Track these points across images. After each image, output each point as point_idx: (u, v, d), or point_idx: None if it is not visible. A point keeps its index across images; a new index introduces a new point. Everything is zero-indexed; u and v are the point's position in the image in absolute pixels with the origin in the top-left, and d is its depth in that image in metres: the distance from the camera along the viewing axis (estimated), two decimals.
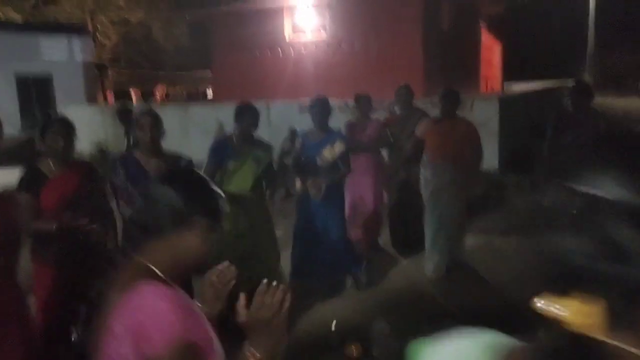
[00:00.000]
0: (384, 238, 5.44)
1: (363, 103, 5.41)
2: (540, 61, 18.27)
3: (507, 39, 16.18)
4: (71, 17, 17.88)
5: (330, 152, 4.10)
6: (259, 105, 9.45)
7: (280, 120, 9.12)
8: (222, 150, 3.66)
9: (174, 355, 1.09)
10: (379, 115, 5.74)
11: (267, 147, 3.76)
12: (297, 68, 11.02)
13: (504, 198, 6.80)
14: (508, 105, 8.01)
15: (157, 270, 1.17)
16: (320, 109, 4.17)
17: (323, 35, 11.04)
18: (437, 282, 4.37)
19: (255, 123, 3.67)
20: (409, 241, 5.04)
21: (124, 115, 6.31)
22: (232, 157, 3.60)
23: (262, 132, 9.30)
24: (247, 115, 3.64)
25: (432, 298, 4.16)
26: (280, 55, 11.39)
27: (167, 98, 18.94)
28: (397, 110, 5.40)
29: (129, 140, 5.99)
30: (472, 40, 13.47)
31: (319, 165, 4.07)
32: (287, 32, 11.50)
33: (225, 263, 1.38)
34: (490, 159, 7.23)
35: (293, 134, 3.84)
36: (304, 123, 4.22)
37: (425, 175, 4.59)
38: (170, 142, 3.13)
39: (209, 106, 10.78)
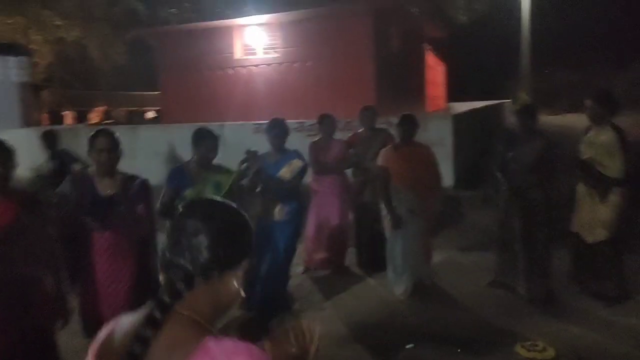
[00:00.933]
0: (350, 258, 5.40)
1: (327, 123, 5.39)
2: (480, 82, 19.12)
3: (450, 61, 16.83)
4: (4, 36, 16.99)
5: (288, 171, 4.11)
6: (213, 126, 9.28)
7: (235, 141, 8.96)
8: (179, 177, 3.49)
9: None
10: (342, 135, 5.73)
11: (227, 172, 3.62)
12: (249, 88, 10.93)
13: (460, 214, 6.95)
14: (460, 123, 8.25)
15: (205, 323, 1.05)
16: (278, 131, 4.18)
17: (275, 55, 11.02)
18: (407, 301, 4.38)
19: (214, 148, 3.53)
20: (376, 261, 5.03)
21: (49, 139, 6.04)
22: (190, 184, 3.44)
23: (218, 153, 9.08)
24: (206, 140, 3.50)
25: (402, 317, 4.14)
26: (231, 74, 11.25)
27: (106, 119, 18.24)
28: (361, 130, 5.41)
29: (53, 166, 5.74)
30: (418, 62, 13.89)
31: (277, 185, 4.05)
32: (238, 52, 11.40)
33: (307, 321, 1.24)
34: (446, 177, 7.39)
35: (251, 155, 3.71)
36: (260, 144, 4.11)
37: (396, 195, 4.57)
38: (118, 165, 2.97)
39: (157, 128, 10.45)
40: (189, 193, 3.39)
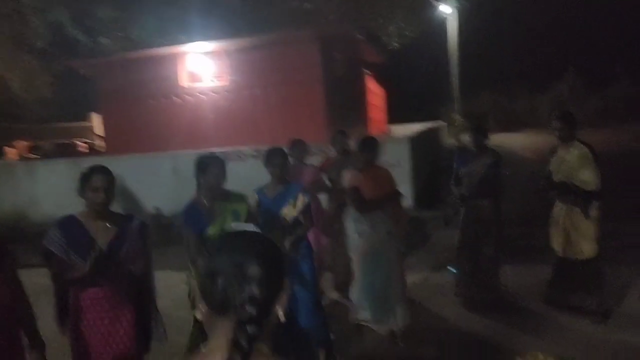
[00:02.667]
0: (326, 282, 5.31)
1: (298, 148, 5.33)
2: (414, 106, 19.84)
3: (387, 86, 17.35)
4: None
5: (291, 209, 3.77)
6: (164, 156, 8.90)
7: (188, 171, 8.66)
8: (196, 216, 3.20)
9: None
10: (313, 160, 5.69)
11: (240, 198, 3.36)
12: (197, 116, 10.66)
13: (426, 234, 7.06)
14: (415, 145, 8.44)
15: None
16: (279, 160, 3.82)
17: (223, 82, 10.85)
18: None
19: (223, 174, 3.25)
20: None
21: None
22: (209, 219, 3.16)
23: (170, 184, 8.70)
24: (213, 166, 3.22)
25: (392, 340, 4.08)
26: (178, 102, 10.94)
27: (32, 153, 17.10)
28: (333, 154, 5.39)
29: None
30: (361, 87, 14.19)
31: (282, 222, 3.71)
32: (183, 79, 11.13)
33: None
34: (405, 198, 7.50)
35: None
36: None
37: (357, 229, 4.45)
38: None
39: (103, 158, 9.91)
40: (212, 230, 3.12)
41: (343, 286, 5.24)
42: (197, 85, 11.03)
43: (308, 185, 5.23)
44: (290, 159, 5.41)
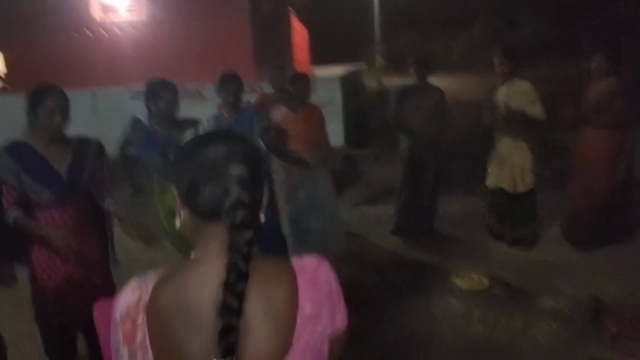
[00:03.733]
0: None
1: (232, 84, 5.19)
2: (339, 47, 19.76)
3: (312, 26, 17.06)
4: None
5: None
6: (81, 94, 8.31)
7: (109, 109, 8.17)
8: (145, 144, 3.06)
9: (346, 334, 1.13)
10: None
11: (194, 123, 3.23)
12: (113, 51, 9.92)
13: (357, 172, 7.26)
14: (345, 85, 8.48)
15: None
16: (233, 87, 3.68)
17: (140, 15, 10.11)
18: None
19: (176, 100, 3.09)
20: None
21: None
22: (160, 149, 3.03)
23: (89, 123, 8.21)
24: (165, 91, 3.06)
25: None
26: (90, 36, 10.09)
27: None
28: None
29: None
30: (285, 26, 13.85)
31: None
32: (96, 11, 10.24)
33: None
34: (338, 137, 7.61)
35: (136, 122, 3.35)
36: (138, 110, 3.37)
37: (287, 167, 4.43)
38: None
39: (6, 97, 9.02)
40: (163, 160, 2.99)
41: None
42: (112, 18, 10.21)
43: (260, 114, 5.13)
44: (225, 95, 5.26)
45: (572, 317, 3.50)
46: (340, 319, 1.10)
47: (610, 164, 4.40)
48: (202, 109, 4.50)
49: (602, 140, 4.38)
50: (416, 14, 23.22)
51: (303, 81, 4.42)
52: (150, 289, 1.00)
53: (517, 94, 4.37)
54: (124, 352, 0.98)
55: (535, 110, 4.30)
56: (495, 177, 4.62)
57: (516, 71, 4.42)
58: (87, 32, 10.06)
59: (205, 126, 3.43)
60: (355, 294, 3.77)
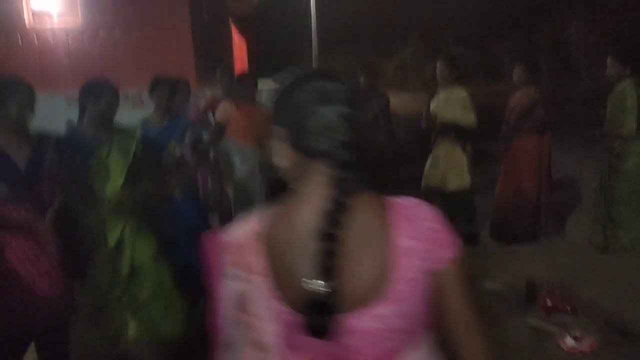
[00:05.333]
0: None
1: (182, 87, 5.24)
2: (278, 61, 19.97)
3: (252, 39, 17.17)
4: None
5: (178, 144, 3.75)
6: None
7: (45, 115, 7.85)
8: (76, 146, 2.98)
9: (461, 267, 1.11)
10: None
11: (131, 132, 3.22)
12: (46, 57, 9.58)
13: None
14: None
15: None
16: (166, 91, 3.75)
17: (75, 22, 9.85)
18: None
19: (116, 102, 3.08)
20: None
21: None
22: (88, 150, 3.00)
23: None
24: (105, 92, 3.07)
25: None
26: (20, 42, 9.68)
27: None
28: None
29: None
30: (227, 37, 13.91)
31: (168, 158, 3.67)
32: (27, 16, 9.86)
33: None
34: None
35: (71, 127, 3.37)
36: (73, 116, 3.36)
37: (231, 161, 4.62)
38: None
39: None
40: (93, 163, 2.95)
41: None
42: (45, 23, 9.86)
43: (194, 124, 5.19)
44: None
45: (509, 296, 3.98)
46: (445, 253, 1.12)
47: (535, 165, 4.84)
48: (142, 114, 4.45)
49: (526, 144, 4.81)
50: (351, 35, 23.97)
51: (249, 81, 4.60)
52: (262, 220, 1.11)
53: (453, 101, 4.73)
54: (239, 276, 1.06)
55: (468, 119, 4.68)
56: (427, 176, 4.94)
57: (455, 79, 4.77)
58: (18, 38, 9.66)
59: (140, 133, 3.40)
60: None
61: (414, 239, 1.07)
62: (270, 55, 18.06)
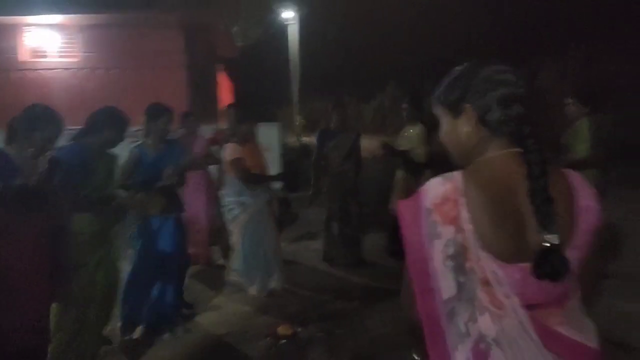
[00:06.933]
0: (218, 252, 5.57)
1: (191, 120, 5.54)
2: (256, 104, 20.38)
3: (237, 83, 17.64)
4: None
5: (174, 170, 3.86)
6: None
7: None
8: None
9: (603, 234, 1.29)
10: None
11: (111, 157, 3.44)
12: (42, 93, 9.71)
13: (294, 213, 7.66)
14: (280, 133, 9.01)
15: None
16: (168, 119, 3.86)
17: (73, 59, 10.09)
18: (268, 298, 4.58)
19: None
20: None
21: None
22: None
23: None
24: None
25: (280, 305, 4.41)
26: (16, 78, 9.84)
27: None
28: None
29: None
30: (215, 79, 14.31)
31: (164, 182, 3.78)
32: (22, 54, 10.07)
33: None
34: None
35: (53, 162, 3.28)
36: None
37: (238, 200, 4.73)
38: None
39: None
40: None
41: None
42: (41, 60, 10.08)
43: (199, 156, 5.39)
44: (183, 130, 5.52)
45: None
46: (600, 214, 1.27)
47: None
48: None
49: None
50: (332, 80, 24.76)
51: (250, 122, 4.82)
52: (460, 179, 1.23)
53: (412, 136, 5.06)
54: (446, 230, 1.20)
55: (421, 152, 4.93)
56: (393, 202, 5.19)
57: (418, 117, 5.05)
58: (16, 73, 9.84)
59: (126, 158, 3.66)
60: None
61: (589, 200, 1.26)
62: (251, 98, 18.50)
